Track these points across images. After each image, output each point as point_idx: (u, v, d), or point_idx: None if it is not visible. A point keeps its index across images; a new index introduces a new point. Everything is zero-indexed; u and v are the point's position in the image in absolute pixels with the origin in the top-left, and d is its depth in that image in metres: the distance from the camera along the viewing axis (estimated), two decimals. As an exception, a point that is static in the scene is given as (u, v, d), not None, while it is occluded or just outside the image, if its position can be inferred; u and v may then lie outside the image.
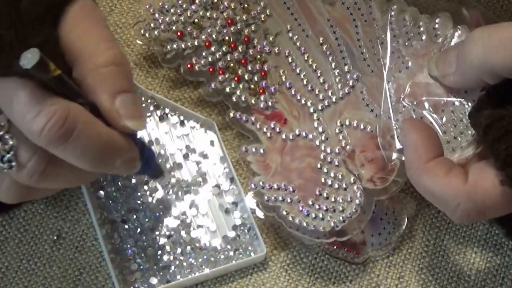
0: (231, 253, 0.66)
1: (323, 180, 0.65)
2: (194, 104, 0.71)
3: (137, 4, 0.73)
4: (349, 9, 0.69)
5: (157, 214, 0.67)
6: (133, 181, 0.67)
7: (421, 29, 0.68)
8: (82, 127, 0.54)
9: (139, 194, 0.67)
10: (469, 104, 0.64)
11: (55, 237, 0.67)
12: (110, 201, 0.67)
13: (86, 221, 0.67)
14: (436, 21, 0.68)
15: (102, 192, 0.67)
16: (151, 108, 0.70)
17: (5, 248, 0.66)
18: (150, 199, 0.67)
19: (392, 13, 0.68)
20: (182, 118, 0.70)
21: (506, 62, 0.59)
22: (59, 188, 0.64)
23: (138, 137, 0.60)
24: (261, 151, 0.66)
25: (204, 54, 0.68)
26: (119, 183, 0.67)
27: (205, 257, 0.66)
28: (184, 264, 0.66)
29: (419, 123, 0.63)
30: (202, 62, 0.68)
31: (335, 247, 0.67)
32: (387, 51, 0.67)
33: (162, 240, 0.66)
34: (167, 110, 0.70)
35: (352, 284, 0.67)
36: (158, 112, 0.70)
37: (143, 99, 0.70)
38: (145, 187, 0.67)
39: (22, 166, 0.55)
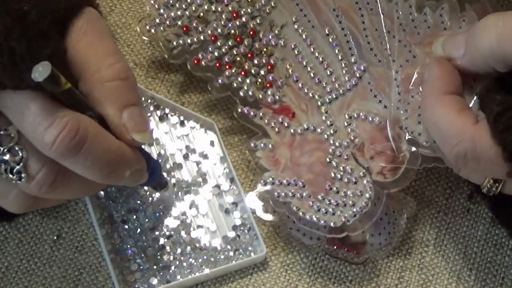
0: (231, 253, 0.66)
1: (332, 174, 0.65)
2: (194, 104, 0.71)
3: (137, 4, 0.73)
4: None
5: (157, 214, 0.67)
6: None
7: (427, 16, 0.67)
8: (93, 139, 0.55)
9: (139, 194, 0.67)
10: (477, 92, 0.64)
11: (55, 237, 0.67)
12: (110, 201, 0.67)
13: (86, 221, 0.67)
14: (442, 7, 0.67)
15: (102, 192, 0.67)
16: (151, 108, 0.70)
17: (5, 248, 0.66)
18: (150, 199, 0.67)
19: (398, 1, 0.67)
20: (182, 118, 0.70)
21: None
22: (66, 199, 0.64)
23: (144, 149, 0.61)
24: (270, 146, 0.66)
25: (210, 48, 0.68)
26: (119, 183, 0.68)
27: (205, 257, 0.66)
28: (184, 264, 0.66)
29: (445, 61, 0.62)
30: (209, 57, 0.67)
31: (335, 247, 0.67)
32: (394, 41, 0.67)
33: (162, 240, 0.66)
34: (167, 110, 0.70)
35: (352, 284, 0.67)
36: (158, 112, 0.70)
37: (143, 99, 0.70)
38: (145, 187, 0.67)
39: (31, 178, 0.56)
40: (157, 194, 0.67)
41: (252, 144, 0.66)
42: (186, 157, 0.69)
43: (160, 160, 0.68)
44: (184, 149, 0.69)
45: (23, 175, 0.55)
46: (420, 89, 0.65)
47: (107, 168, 0.56)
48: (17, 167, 0.55)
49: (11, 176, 0.56)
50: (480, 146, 0.58)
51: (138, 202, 0.67)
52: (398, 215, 0.67)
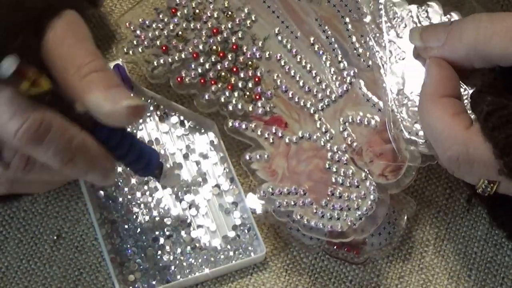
0: (231, 253, 0.66)
1: (333, 180, 0.64)
2: (194, 104, 0.71)
3: (131, 3, 0.73)
4: (336, 6, 0.68)
5: (157, 214, 0.67)
6: (133, 181, 0.68)
7: (413, 19, 0.68)
8: (56, 131, 0.56)
9: (139, 194, 0.67)
10: (469, 88, 0.64)
11: (55, 237, 0.67)
12: (110, 201, 0.67)
13: (86, 221, 0.67)
14: (428, 10, 0.67)
15: (102, 192, 0.67)
16: (151, 108, 0.70)
17: (5, 248, 0.66)
18: (150, 199, 0.67)
19: (381, 6, 0.68)
20: (182, 118, 0.70)
21: (503, 49, 0.59)
22: (48, 185, 0.65)
23: (136, 138, 0.61)
24: (266, 157, 0.65)
25: (193, 66, 0.67)
26: (119, 183, 0.67)
27: (205, 257, 0.66)
28: (184, 264, 0.66)
29: (444, 63, 0.63)
30: (192, 74, 0.67)
31: (335, 247, 0.67)
32: (382, 44, 0.67)
33: (162, 240, 0.66)
34: (167, 110, 0.70)
35: (352, 284, 0.67)
36: (158, 112, 0.70)
37: (143, 98, 0.70)
38: (145, 187, 0.68)
39: (7, 165, 0.58)
40: (157, 194, 0.67)
41: (247, 157, 0.65)
42: (186, 157, 0.69)
43: (160, 160, 0.68)
44: (184, 149, 0.69)
45: None
46: (415, 90, 0.65)
47: (68, 159, 0.57)
48: None
49: None
50: (472, 150, 0.59)
51: (138, 202, 0.67)
52: (398, 215, 0.67)
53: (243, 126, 0.66)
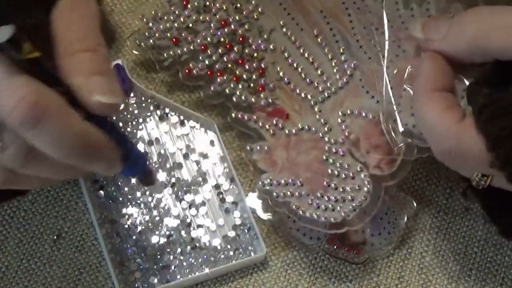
0: (231, 253, 0.66)
1: (330, 171, 0.65)
2: (194, 104, 0.71)
3: (137, 4, 0.73)
4: None
5: (157, 214, 0.67)
6: (133, 181, 0.68)
7: (414, 11, 0.68)
8: (53, 113, 0.53)
9: (139, 194, 0.67)
10: (468, 81, 0.64)
11: (55, 237, 0.67)
12: (110, 201, 0.67)
13: (86, 221, 0.67)
14: (428, 1, 0.68)
15: (102, 192, 0.67)
16: (151, 108, 0.70)
17: (5, 248, 0.66)
18: (150, 199, 0.67)
19: None
20: (182, 118, 0.70)
21: (503, 43, 0.59)
22: (46, 182, 0.61)
23: (127, 137, 0.59)
24: (266, 148, 0.66)
25: (201, 58, 0.68)
26: (119, 183, 0.68)
27: (205, 257, 0.66)
28: (184, 264, 0.66)
29: (437, 56, 0.63)
30: (200, 66, 0.68)
31: (335, 247, 0.67)
32: (383, 37, 0.67)
33: (162, 240, 0.66)
34: (167, 110, 0.70)
35: (352, 284, 0.67)
36: (158, 112, 0.70)
37: (143, 98, 0.70)
38: (145, 187, 0.67)
39: (5, 148, 0.54)
40: (157, 194, 0.67)
41: (248, 148, 0.66)
42: (186, 156, 0.69)
43: (160, 160, 0.68)
44: (184, 148, 0.69)
45: None
46: (413, 81, 0.65)
47: (68, 147, 0.54)
48: None
49: None
50: (464, 144, 0.59)
51: (138, 202, 0.67)
52: (398, 215, 0.67)
53: (246, 118, 0.67)
